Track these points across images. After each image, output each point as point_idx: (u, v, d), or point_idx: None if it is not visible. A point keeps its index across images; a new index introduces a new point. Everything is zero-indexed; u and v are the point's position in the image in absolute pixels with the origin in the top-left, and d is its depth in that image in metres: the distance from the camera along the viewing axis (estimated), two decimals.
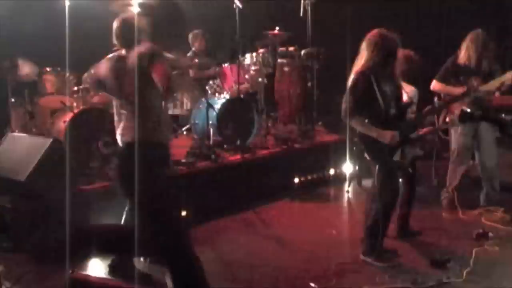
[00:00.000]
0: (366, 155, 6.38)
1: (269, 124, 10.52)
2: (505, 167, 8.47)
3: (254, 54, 10.55)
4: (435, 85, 7.98)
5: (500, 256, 6.50)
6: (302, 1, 10.14)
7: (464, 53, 7.86)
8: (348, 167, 9.30)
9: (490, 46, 7.87)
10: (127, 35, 5.43)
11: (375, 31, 6.25)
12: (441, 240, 7.11)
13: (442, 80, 7.95)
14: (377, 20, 6.52)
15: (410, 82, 7.14)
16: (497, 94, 8.50)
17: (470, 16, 10.82)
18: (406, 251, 6.74)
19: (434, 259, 6.27)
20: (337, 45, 9.23)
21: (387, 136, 6.14)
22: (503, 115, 8.10)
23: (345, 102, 6.12)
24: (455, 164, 8.09)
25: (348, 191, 9.09)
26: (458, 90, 7.67)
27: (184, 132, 10.03)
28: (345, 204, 8.79)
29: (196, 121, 9.50)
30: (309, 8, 10.10)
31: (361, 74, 6.14)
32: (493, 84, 7.77)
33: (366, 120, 6.15)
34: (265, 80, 10.64)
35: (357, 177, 9.34)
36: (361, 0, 11.51)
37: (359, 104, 6.08)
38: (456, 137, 7.99)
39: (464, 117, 7.61)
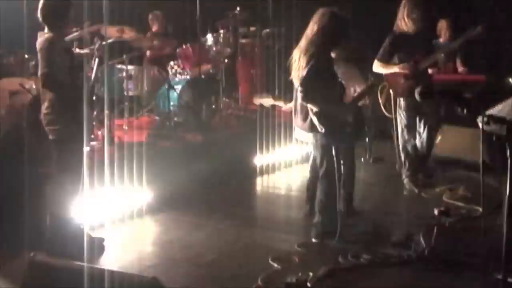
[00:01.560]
0: (315, 135, 6.31)
1: (231, 105, 10.50)
2: (466, 145, 8.56)
3: (215, 34, 10.51)
4: (376, 65, 7.83)
5: (461, 233, 6.57)
6: None
7: (401, 19, 7.74)
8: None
9: (427, 8, 7.78)
10: None
11: (327, 10, 6.19)
12: (402, 218, 7.18)
13: (383, 59, 7.81)
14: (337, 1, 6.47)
15: None
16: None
17: None
18: (366, 230, 6.79)
19: (396, 236, 6.31)
20: (298, 25, 9.21)
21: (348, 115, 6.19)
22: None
23: (305, 85, 6.09)
24: (402, 141, 8.13)
25: None
26: (400, 68, 7.68)
27: (146, 113, 9.94)
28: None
29: (157, 102, 9.42)
30: None
31: (321, 56, 6.11)
32: (433, 59, 7.81)
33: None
34: (226, 61, 10.61)
35: None
36: None
37: (317, 85, 6.07)
38: (401, 114, 8.00)
39: (425, 94, 7.60)
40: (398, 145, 8.19)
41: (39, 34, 6.02)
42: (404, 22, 7.72)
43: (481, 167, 4.80)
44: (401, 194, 7.99)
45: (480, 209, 6.96)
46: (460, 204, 7.41)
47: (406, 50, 7.73)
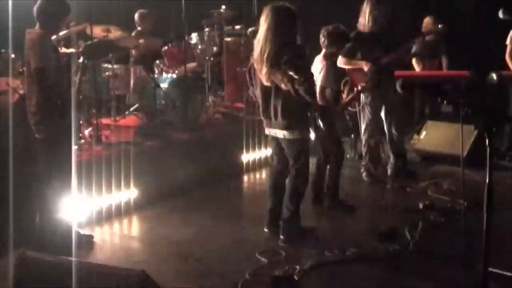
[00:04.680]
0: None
1: (217, 103, 10.54)
2: (450, 140, 8.68)
3: (201, 33, 10.54)
4: (340, 60, 7.81)
5: (445, 226, 6.65)
6: None
7: (363, 18, 7.93)
8: None
9: (390, 9, 7.97)
10: None
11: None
12: (387, 212, 7.25)
13: (347, 54, 7.86)
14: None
15: None
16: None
17: None
18: (352, 223, 6.88)
19: (381, 231, 6.37)
20: None
21: None
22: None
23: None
24: (367, 135, 8.28)
25: None
26: (361, 63, 7.81)
27: (132, 112, 9.93)
28: None
29: (144, 101, 9.43)
30: None
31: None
32: (393, 56, 7.94)
33: None
34: (212, 59, 10.65)
35: None
36: None
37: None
38: (366, 108, 8.12)
39: (404, 86, 7.73)
40: (361, 140, 8.39)
41: (27, 31, 6.05)
42: (365, 20, 7.88)
43: (461, 160, 4.88)
44: (386, 189, 8.08)
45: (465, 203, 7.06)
46: (445, 197, 7.49)
47: (368, 47, 7.87)
